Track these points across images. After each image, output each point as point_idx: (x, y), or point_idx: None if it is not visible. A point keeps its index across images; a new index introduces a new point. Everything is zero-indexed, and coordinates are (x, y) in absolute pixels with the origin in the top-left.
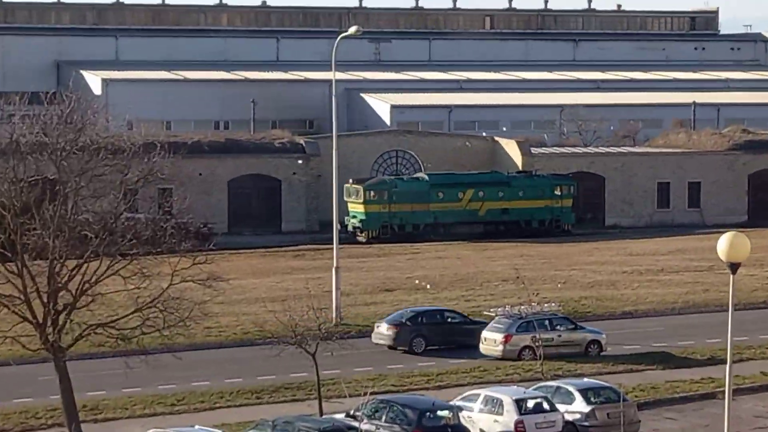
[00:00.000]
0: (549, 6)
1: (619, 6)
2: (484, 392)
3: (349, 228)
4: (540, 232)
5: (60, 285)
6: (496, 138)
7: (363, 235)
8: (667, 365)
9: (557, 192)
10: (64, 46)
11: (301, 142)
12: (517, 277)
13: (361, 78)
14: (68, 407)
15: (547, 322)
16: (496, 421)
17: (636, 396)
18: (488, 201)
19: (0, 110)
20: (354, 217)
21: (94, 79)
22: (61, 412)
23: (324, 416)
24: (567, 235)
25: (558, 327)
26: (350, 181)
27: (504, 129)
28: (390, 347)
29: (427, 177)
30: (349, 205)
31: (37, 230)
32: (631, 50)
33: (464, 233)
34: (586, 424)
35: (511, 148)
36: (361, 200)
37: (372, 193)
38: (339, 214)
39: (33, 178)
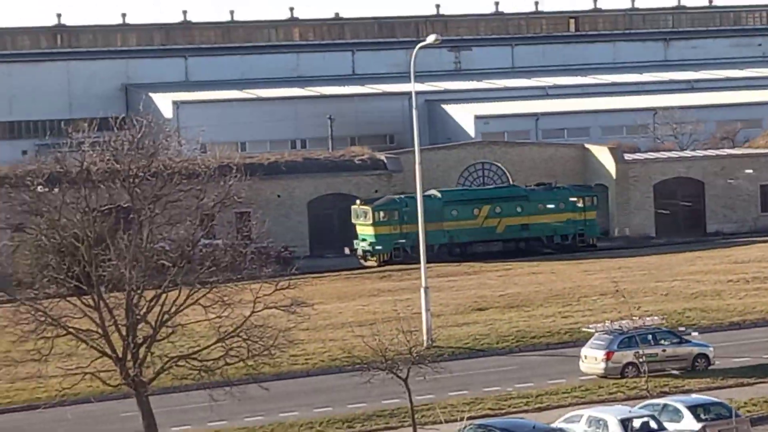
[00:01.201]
0: (637, 5)
1: (710, 1)
2: (587, 413)
3: (359, 252)
4: (564, 248)
5: (139, 317)
6: (587, 145)
7: (374, 259)
8: None
9: (579, 204)
10: (131, 68)
11: (382, 158)
12: (617, 291)
13: (441, 88)
14: None
15: (650, 337)
16: None
17: (749, 411)
18: (506, 217)
19: (69, 138)
20: (363, 240)
21: (164, 102)
22: None
23: None
24: (593, 249)
25: (662, 341)
26: (358, 202)
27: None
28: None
29: (439, 194)
30: (358, 227)
31: (113, 261)
32: (725, 47)
33: (481, 252)
34: None
35: (603, 155)
36: (371, 222)
37: (382, 213)
38: (423, 233)
39: (106, 207)
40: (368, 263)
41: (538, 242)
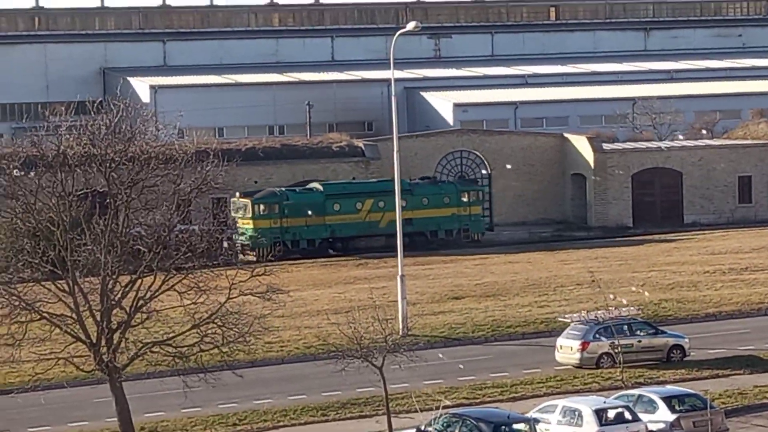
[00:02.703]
0: None
1: None
2: (561, 403)
3: (238, 246)
4: (447, 243)
5: (113, 302)
6: (566, 134)
7: (253, 253)
8: (754, 369)
9: (465, 199)
10: (109, 52)
11: (360, 145)
12: (593, 281)
13: (420, 76)
14: (126, 430)
15: (626, 327)
16: None
17: (723, 403)
18: (389, 211)
19: (45, 121)
20: (243, 234)
21: (141, 86)
22: None
23: None
24: (477, 245)
25: (638, 332)
26: (237, 195)
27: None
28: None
29: (321, 187)
30: (238, 221)
31: (88, 246)
32: (705, 38)
33: (364, 247)
34: None
35: (581, 144)
36: (250, 215)
37: (261, 207)
38: (400, 222)
39: (82, 192)
40: (248, 257)
41: (422, 237)
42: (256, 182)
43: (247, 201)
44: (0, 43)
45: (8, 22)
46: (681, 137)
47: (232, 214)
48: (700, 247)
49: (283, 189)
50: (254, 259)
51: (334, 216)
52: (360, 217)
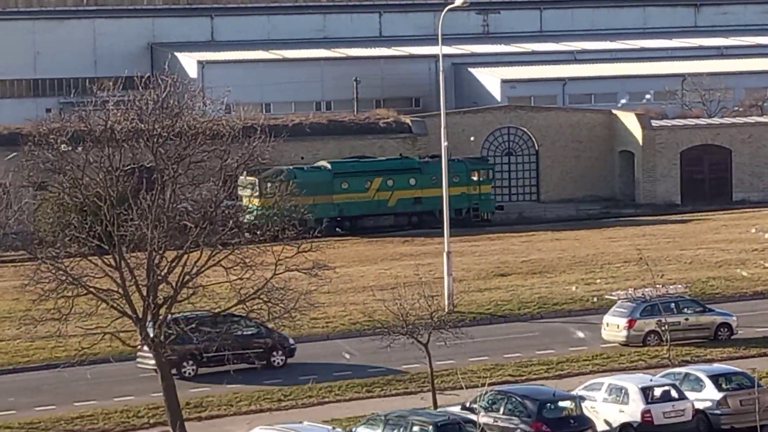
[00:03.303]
0: None
1: None
2: (607, 381)
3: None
4: (457, 223)
5: (160, 278)
6: (614, 111)
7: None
8: None
9: (474, 177)
10: (157, 28)
11: (408, 121)
12: (640, 258)
13: (468, 52)
14: (171, 405)
15: (673, 305)
16: (621, 411)
17: None
18: (398, 190)
19: (93, 96)
20: (251, 212)
21: (189, 62)
22: (164, 411)
23: (439, 409)
24: (487, 225)
25: (685, 310)
26: (244, 173)
27: (622, 102)
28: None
29: (329, 166)
30: (245, 200)
31: (135, 221)
32: (756, 14)
33: (372, 226)
34: (717, 412)
35: (630, 121)
36: (258, 194)
37: (269, 185)
38: (447, 199)
39: (129, 167)
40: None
41: (431, 216)
42: (302, 158)
43: (254, 179)
44: (48, 18)
45: None
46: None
47: (239, 193)
48: (749, 225)
49: (291, 167)
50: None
51: (343, 194)
52: (368, 195)
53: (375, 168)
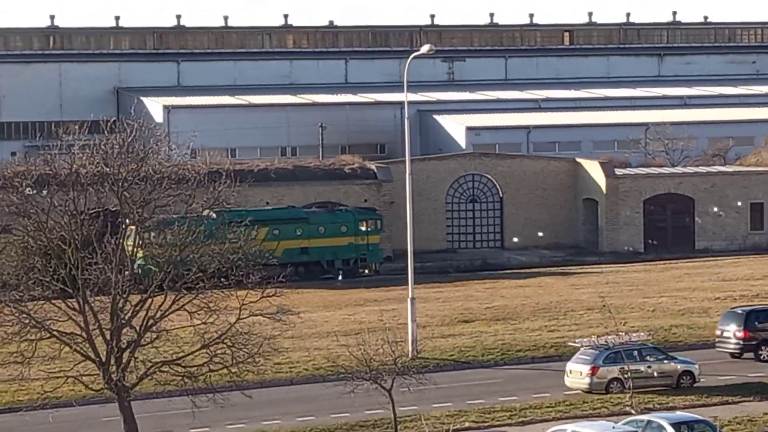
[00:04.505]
0: (632, 19)
1: (705, 18)
2: (570, 428)
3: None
4: (344, 273)
5: (123, 321)
6: (578, 159)
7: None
8: (764, 396)
9: (362, 227)
10: (123, 72)
11: (372, 167)
12: (604, 306)
13: (434, 99)
14: None
15: (635, 353)
16: None
17: (732, 430)
18: (285, 240)
19: (59, 140)
20: (134, 262)
21: (155, 106)
22: None
23: None
24: (375, 276)
25: (648, 357)
26: (127, 221)
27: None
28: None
29: (214, 215)
30: (128, 249)
31: (99, 265)
32: (719, 64)
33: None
34: None
35: (594, 169)
36: (140, 243)
37: (151, 234)
38: (413, 241)
39: (94, 211)
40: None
41: (318, 267)
42: (267, 203)
43: (133, 228)
44: (15, 62)
45: (23, 40)
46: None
47: (124, 242)
48: (711, 273)
49: (174, 216)
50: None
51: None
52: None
53: (261, 217)
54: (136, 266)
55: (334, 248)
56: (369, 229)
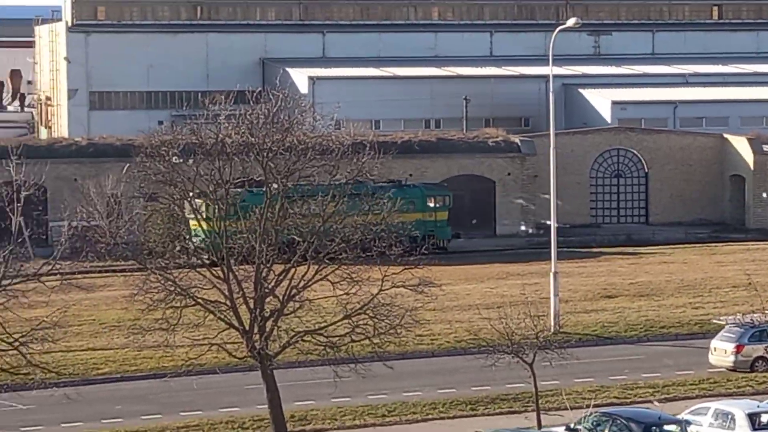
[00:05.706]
0: None
1: None
2: (714, 406)
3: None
4: (411, 250)
5: (267, 290)
6: (725, 135)
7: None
8: None
9: (430, 204)
10: (269, 43)
11: (516, 140)
12: (749, 283)
13: (579, 73)
14: (276, 417)
15: None
16: None
17: None
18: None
19: (205, 110)
20: (196, 236)
21: (300, 77)
22: (268, 422)
23: (543, 429)
24: (443, 252)
25: None
26: (191, 195)
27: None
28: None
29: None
30: (191, 222)
31: (244, 234)
32: None
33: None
34: None
35: (741, 145)
36: (204, 216)
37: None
38: (556, 215)
39: (239, 180)
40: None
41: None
42: (410, 175)
43: (201, 201)
44: (162, 32)
45: (171, 11)
46: None
47: (186, 215)
48: None
49: (239, 189)
50: (208, 262)
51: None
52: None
53: (327, 193)
54: (200, 239)
55: (401, 225)
56: (437, 206)
